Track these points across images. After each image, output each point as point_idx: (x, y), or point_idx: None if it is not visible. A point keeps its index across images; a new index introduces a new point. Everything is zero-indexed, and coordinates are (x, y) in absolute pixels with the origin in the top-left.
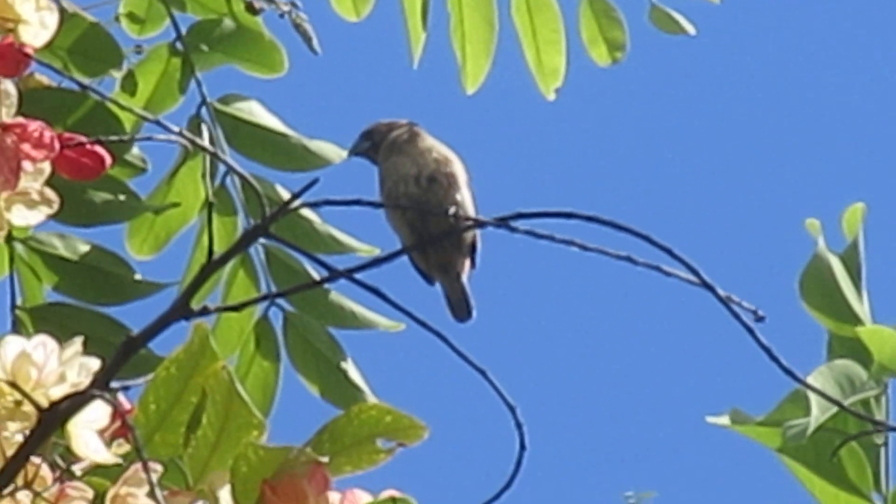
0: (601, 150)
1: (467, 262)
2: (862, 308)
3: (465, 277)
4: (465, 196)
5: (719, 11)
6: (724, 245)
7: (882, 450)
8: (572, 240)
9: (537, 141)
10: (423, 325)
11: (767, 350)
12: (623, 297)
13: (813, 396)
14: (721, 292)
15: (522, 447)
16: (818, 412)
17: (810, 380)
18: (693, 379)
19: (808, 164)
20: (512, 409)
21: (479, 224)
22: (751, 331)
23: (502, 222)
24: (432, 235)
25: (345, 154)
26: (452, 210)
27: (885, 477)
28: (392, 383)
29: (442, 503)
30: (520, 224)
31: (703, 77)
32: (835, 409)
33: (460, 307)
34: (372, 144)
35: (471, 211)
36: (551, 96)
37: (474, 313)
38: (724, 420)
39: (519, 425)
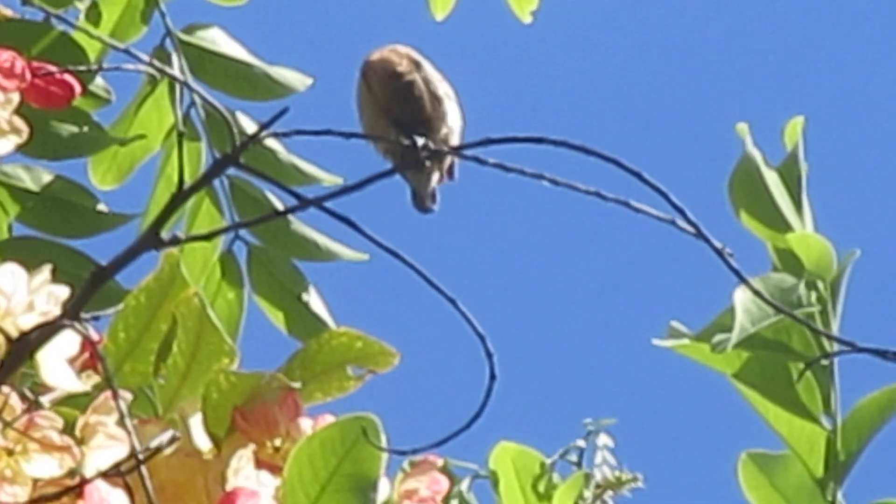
0: (582, 74)
1: (444, 175)
2: (799, 220)
3: (436, 183)
4: (453, 111)
5: None
6: (694, 167)
7: (831, 369)
8: (542, 173)
9: (511, 68)
10: (394, 254)
11: (739, 274)
12: (592, 223)
13: (739, 304)
14: (692, 218)
15: (493, 377)
16: (745, 320)
17: (738, 292)
18: (664, 306)
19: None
20: (482, 338)
21: (450, 153)
22: (722, 256)
23: (470, 154)
24: (407, 166)
25: (309, 81)
26: (421, 142)
27: (835, 399)
28: (362, 312)
29: (413, 431)
30: (488, 153)
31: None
32: (770, 319)
33: (426, 200)
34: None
35: (458, 128)
36: (528, 19)
37: (437, 205)
38: (667, 341)
39: (489, 354)
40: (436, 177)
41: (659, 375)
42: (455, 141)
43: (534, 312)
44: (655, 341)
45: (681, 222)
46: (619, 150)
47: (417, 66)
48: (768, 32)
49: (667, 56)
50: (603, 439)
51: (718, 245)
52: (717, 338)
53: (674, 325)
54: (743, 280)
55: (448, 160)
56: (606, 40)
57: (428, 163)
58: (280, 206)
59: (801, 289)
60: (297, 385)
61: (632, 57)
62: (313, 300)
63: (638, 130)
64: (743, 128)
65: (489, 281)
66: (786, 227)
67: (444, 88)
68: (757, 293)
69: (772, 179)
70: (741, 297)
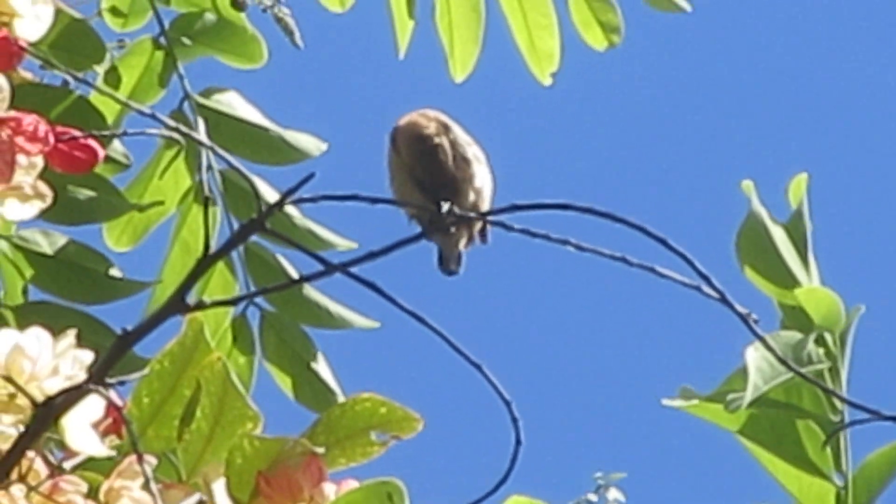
0: (598, 135)
1: (474, 238)
2: (807, 276)
3: (463, 248)
4: (483, 174)
5: None
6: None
7: (841, 431)
8: (567, 239)
9: (531, 128)
10: (419, 319)
11: (764, 341)
12: (617, 288)
13: (752, 365)
14: (717, 286)
15: (518, 442)
16: (758, 379)
17: (749, 351)
18: (681, 366)
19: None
20: (507, 404)
21: (475, 219)
22: (748, 323)
23: (497, 219)
24: (433, 231)
25: (324, 146)
26: (446, 206)
27: (846, 455)
28: (388, 377)
29: (438, 497)
30: (515, 218)
31: (701, 53)
32: (780, 378)
33: (451, 263)
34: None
35: (488, 191)
36: (547, 81)
37: (462, 268)
38: (678, 401)
39: (515, 420)
40: (464, 240)
41: (670, 432)
42: (484, 205)
43: (549, 367)
44: (665, 401)
45: (706, 288)
46: (642, 216)
47: (446, 129)
48: (775, 90)
49: (691, 119)
50: (613, 493)
51: (743, 311)
52: (731, 397)
53: (685, 386)
54: (767, 345)
55: (477, 224)
56: (628, 104)
57: (454, 228)
58: (294, 272)
59: (811, 345)
60: (320, 450)
61: (655, 121)
62: (322, 368)
63: (659, 195)
64: (749, 185)
65: (515, 346)
66: (793, 283)
67: (472, 151)
68: (775, 355)
69: (779, 236)
70: (753, 357)
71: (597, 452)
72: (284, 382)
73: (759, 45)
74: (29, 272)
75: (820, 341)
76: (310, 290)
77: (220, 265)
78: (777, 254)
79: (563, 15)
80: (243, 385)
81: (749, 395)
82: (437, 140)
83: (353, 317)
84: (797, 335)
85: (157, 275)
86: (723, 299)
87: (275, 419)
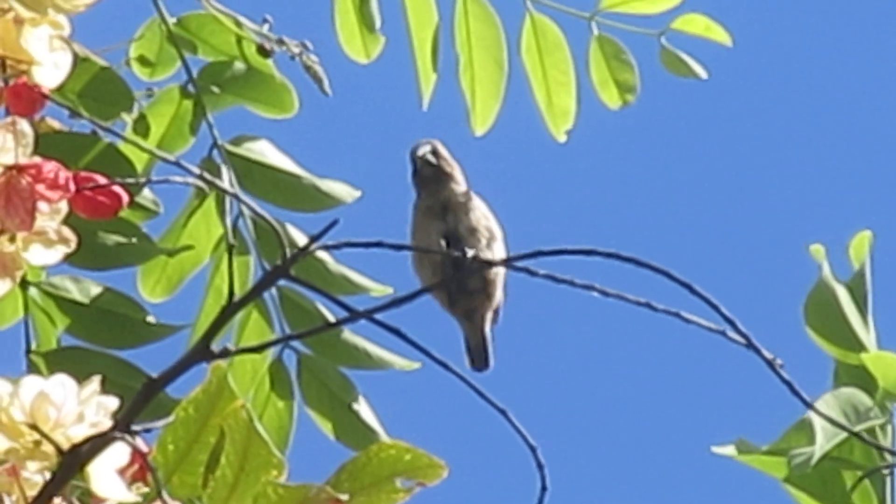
0: (612, 191)
1: (492, 313)
2: (868, 336)
3: (488, 328)
4: (499, 249)
5: (731, 54)
6: (738, 277)
7: (888, 479)
8: (592, 284)
9: (548, 183)
10: (444, 365)
11: (790, 386)
12: (640, 332)
13: (818, 424)
14: (742, 330)
15: (544, 488)
16: (823, 440)
17: (813, 413)
18: (705, 410)
19: (817, 192)
20: (533, 450)
21: (499, 264)
22: (773, 368)
23: (521, 265)
24: (456, 279)
25: (357, 194)
26: (471, 252)
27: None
28: (411, 423)
29: None
30: (538, 264)
31: (714, 119)
32: (840, 436)
33: (479, 356)
34: (432, 173)
35: (502, 271)
36: (562, 138)
37: (491, 363)
38: (730, 450)
39: (540, 465)
40: (484, 312)
41: (708, 480)
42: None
43: (580, 420)
44: (716, 450)
45: (731, 333)
46: (666, 262)
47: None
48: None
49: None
50: None
51: (769, 356)
52: (795, 455)
53: (742, 439)
54: (794, 391)
55: (496, 288)
56: (645, 153)
57: (475, 284)
58: (330, 316)
59: (872, 405)
60: (345, 497)
61: (673, 169)
62: (363, 409)
63: (683, 241)
64: (819, 250)
65: (538, 391)
66: (855, 342)
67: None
68: (827, 418)
69: (843, 296)
70: (819, 418)
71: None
72: (325, 425)
73: (807, 94)
74: (60, 318)
75: (881, 404)
76: (347, 333)
77: (255, 313)
78: (841, 314)
79: (581, 71)
80: (283, 430)
81: (818, 456)
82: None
83: (393, 358)
84: (858, 394)
85: (193, 323)
86: (748, 343)
87: (317, 464)
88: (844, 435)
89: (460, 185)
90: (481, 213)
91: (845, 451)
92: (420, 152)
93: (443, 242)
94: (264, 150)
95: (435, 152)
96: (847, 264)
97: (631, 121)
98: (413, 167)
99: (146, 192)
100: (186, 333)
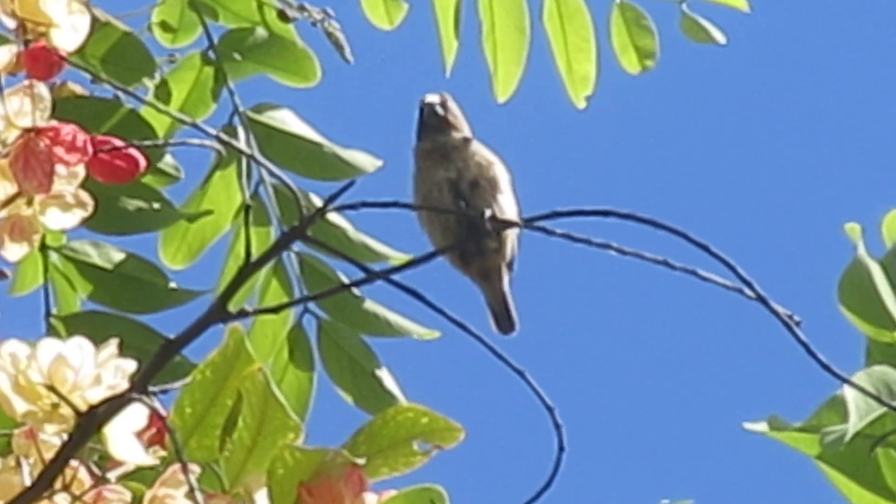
0: (632, 156)
1: (506, 268)
2: None
3: (506, 286)
4: (507, 199)
5: (750, 19)
6: (763, 251)
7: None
8: (609, 243)
9: (569, 149)
10: (461, 326)
11: (807, 347)
12: (660, 295)
13: (851, 401)
14: (758, 290)
15: (561, 448)
16: (856, 417)
17: (847, 388)
18: (730, 382)
19: (848, 168)
20: (550, 410)
21: (515, 225)
22: (790, 328)
23: (538, 224)
24: (471, 239)
25: (379, 163)
26: (488, 213)
27: None
28: (428, 385)
29: None
30: (556, 225)
31: (735, 84)
32: (873, 413)
33: (503, 318)
34: (436, 122)
35: (512, 213)
36: (581, 104)
37: (517, 326)
38: (762, 426)
39: (557, 426)
40: (505, 276)
41: (735, 453)
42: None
43: (601, 383)
44: (748, 426)
45: (748, 291)
46: (684, 224)
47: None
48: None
49: (737, 133)
50: None
51: (785, 314)
52: (828, 433)
53: (774, 415)
54: (807, 349)
55: (509, 243)
56: (665, 119)
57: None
58: (348, 281)
59: None
60: (362, 461)
61: (693, 136)
62: (385, 376)
63: (702, 206)
64: (855, 228)
65: (557, 352)
66: (892, 323)
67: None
68: (862, 390)
69: (877, 274)
70: (852, 395)
71: (662, 475)
72: (345, 391)
73: (835, 61)
74: (81, 283)
75: None
76: (368, 301)
77: (275, 281)
78: (875, 292)
79: (601, 37)
80: (303, 396)
81: (850, 433)
82: None
83: (413, 326)
84: (890, 371)
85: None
86: (764, 302)
87: (336, 430)
88: (879, 412)
89: (461, 133)
90: (482, 158)
91: (878, 429)
92: (428, 100)
93: (462, 204)
94: (286, 119)
95: (444, 104)
96: (879, 241)
97: (650, 86)
98: (419, 115)
99: (167, 157)
100: (208, 300)
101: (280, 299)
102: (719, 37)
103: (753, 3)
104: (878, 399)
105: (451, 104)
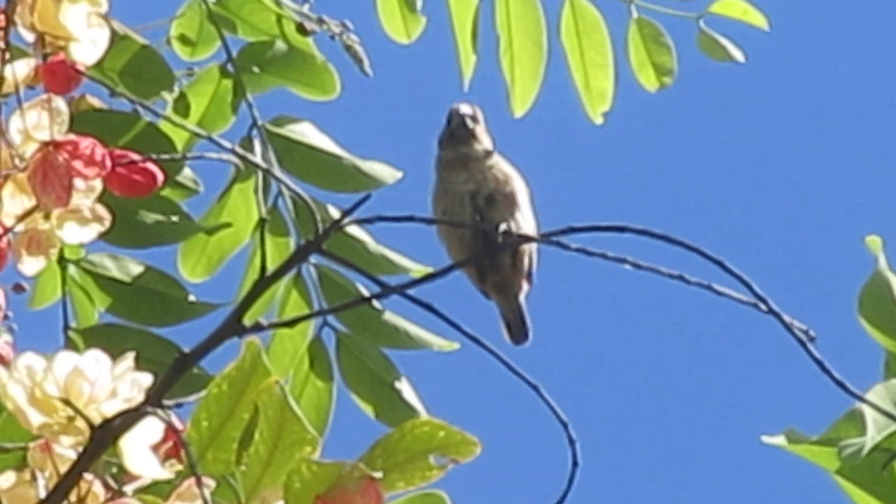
0: (648, 172)
1: (524, 282)
2: None
3: (522, 298)
4: (523, 214)
5: (769, 37)
6: (785, 262)
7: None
8: (625, 258)
9: (585, 165)
10: (476, 341)
11: (821, 364)
12: (675, 310)
13: (869, 415)
14: (773, 305)
15: (575, 463)
16: (874, 431)
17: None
18: (747, 396)
19: (868, 180)
20: (565, 425)
21: (530, 240)
22: (804, 345)
23: (554, 239)
24: (487, 254)
25: (399, 174)
26: (503, 227)
27: None
28: (445, 400)
29: None
30: (572, 240)
31: (751, 100)
32: (892, 427)
33: (517, 329)
34: (463, 134)
35: (529, 228)
36: (599, 120)
37: (531, 335)
38: (780, 440)
39: (572, 441)
40: (522, 290)
41: (750, 466)
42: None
43: (616, 397)
44: (766, 439)
45: (763, 307)
46: (699, 240)
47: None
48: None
49: (750, 150)
50: None
51: (800, 328)
52: (847, 449)
53: (791, 429)
54: (821, 366)
55: (526, 258)
56: (682, 136)
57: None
58: (367, 295)
59: None
60: (378, 474)
61: (710, 153)
62: (405, 388)
63: (720, 222)
64: (875, 241)
65: (573, 365)
66: None
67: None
68: (876, 407)
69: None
70: (869, 409)
71: (677, 487)
72: (365, 405)
73: (852, 76)
74: (100, 296)
75: None
76: (387, 314)
77: (295, 293)
78: (894, 305)
79: (619, 53)
80: (322, 409)
81: (867, 447)
82: None
83: (432, 338)
84: None
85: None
86: (778, 318)
87: (356, 444)
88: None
89: (483, 146)
90: (500, 172)
91: (894, 442)
92: (462, 110)
93: (477, 217)
94: (305, 131)
95: (474, 117)
96: None
97: (668, 104)
98: (447, 122)
99: (186, 170)
100: (228, 312)
101: (300, 312)
102: (738, 55)
103: (772, 20)
104: (891, 416)
105: (480, 117)
